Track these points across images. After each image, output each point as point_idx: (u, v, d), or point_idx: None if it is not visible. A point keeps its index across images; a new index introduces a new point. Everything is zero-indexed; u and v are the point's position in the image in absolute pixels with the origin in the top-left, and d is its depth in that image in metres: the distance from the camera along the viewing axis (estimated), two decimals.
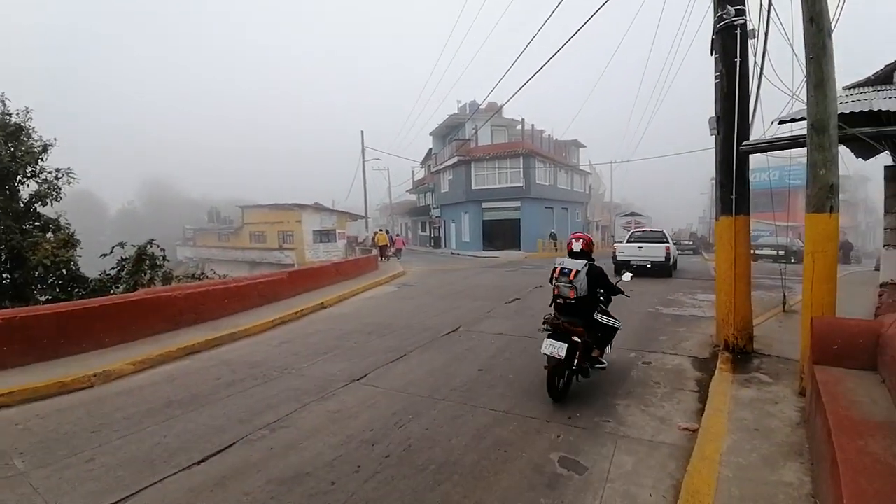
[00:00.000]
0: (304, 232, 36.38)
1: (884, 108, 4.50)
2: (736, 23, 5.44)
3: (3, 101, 11.48)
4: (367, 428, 4.00)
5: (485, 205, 32.06)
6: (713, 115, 5.85)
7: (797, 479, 2.84)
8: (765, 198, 10.24)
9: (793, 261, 17.16)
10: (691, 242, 33.10)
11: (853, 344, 3.35)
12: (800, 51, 4.38)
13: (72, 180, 12.14)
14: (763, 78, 5.63)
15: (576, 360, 4.45)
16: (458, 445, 3.64)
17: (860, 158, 7.43)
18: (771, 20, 5.35)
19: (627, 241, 15.81)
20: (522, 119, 32.82)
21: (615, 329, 4.94)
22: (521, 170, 30.46)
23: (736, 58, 5.49)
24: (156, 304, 7.45)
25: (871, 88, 6.05)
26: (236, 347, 7.00)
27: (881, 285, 6.30)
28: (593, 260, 4.81)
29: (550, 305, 4.89)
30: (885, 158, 6.34)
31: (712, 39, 5.80)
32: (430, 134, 41.21)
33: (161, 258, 11.71)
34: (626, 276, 5.41)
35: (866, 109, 4.61)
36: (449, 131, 37.63)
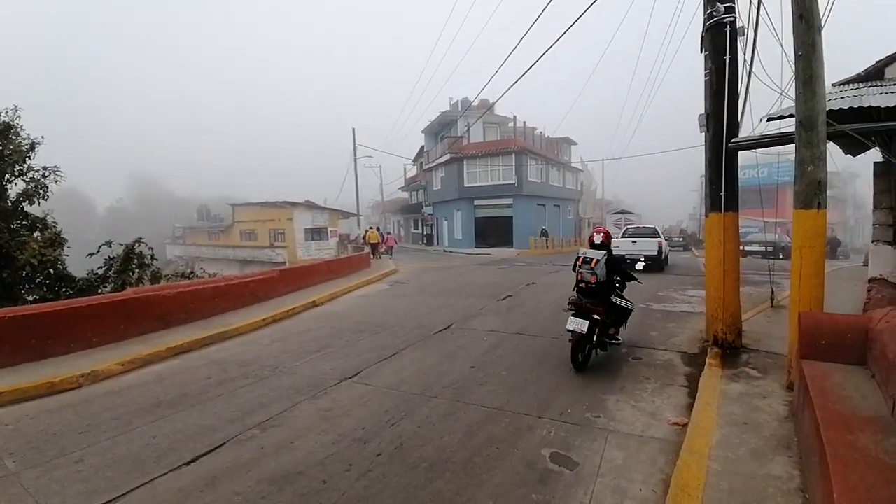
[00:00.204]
0: (295, 230, 36.16)
1: (874, 105, 4.54)
2: (725, 20, 5.47)
3: None
4: (358, 426, 3.99)
5: (477, 202, 32.06)
6: (703, 112, 5.88)
7: (786, 472, 2.87)
8: (753, 194, 10.33)
9: (781, 257, 17.42)
10: (681, 239, 33.33)
11: (841, 339, 3.39)
12: (789, 48, 4.41)
13: (59, 178, 11.98)
14: (752, 75, 5.67)
15: (595, 336, 5.19)
16: (450, 443, 3.64)
17: (849, 155, 7.52)
18: (760, 17, 5.39)
19: (622, 237, 16.39)
20: (514, 116, 32.86)
21: (629, 310, 5.78)
22: (514, 167, 30.49)
23: (725, 55, 5.52)
24: (144, 303, 7.36)
25: (861, 85, 6.12)
26: (227, 346, 6.95)
27: (870, 280, 6.38)
28: (611, 251, 5.54)
29: (573, 290, 5.58)
30: (874, 154, 6.41)
31: (702, 37, 5.82)
32: (423, 131, 41.12)
33: (149, 257, 11.58)
34: (639, 265, 6.16)
35: (856, 106, 4.65)
36: (441, 128, 37.56)
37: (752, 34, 5.44)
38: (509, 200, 31.17)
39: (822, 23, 4.32)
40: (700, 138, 6.04)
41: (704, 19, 5.70)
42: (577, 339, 5.13)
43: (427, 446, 3.59)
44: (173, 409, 4.53)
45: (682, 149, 33.81)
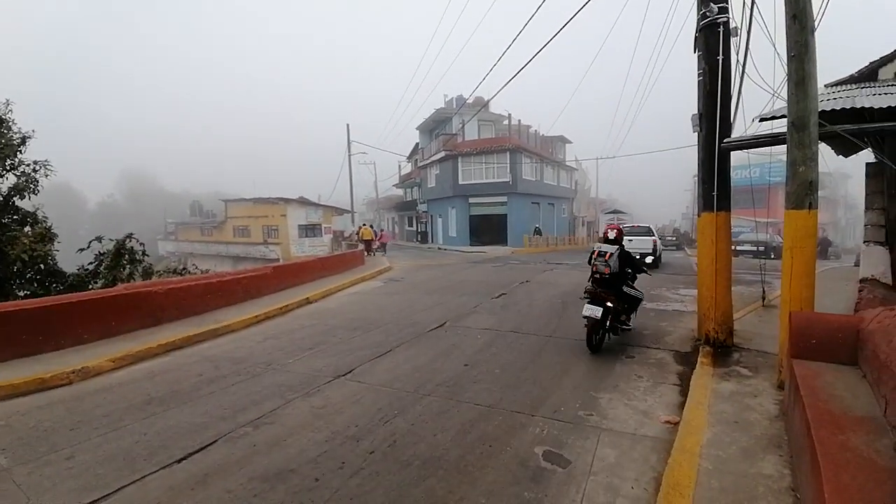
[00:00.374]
0: (289, 226, 36.01)
1: (867, 105, 4.55)
2: (719, 20, 5.49)
3: None
4: (351, 424, 3.98)
5: (471, 200, 32.07)
6: (696, 111, 5.91)
7: (776, 471, 2.90)
8: (745, 194, 10.39)
9: (772, 256, 17.60)
10: (674, 238, 33.57)
11: (832, 338, 3.42)
12: (782, 48, 4.43)
13: (49, 172, 11.84)
14: (745, 76, 5.70)
15: (608, 321, 5.76)
16: (443, 440, 3.64)
17: (840, 156, 7.58)
18: (754, 18, 5.41)
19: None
20: (509, 114, 32.89)
21: (639, 299, 6.38)
22: (508, 165, 30.52)
23: (718, 55, 5.54)
24: (135, 299, 7.30)
25: (854, 86, 6.16)
26: (219, 343, 6.91)
27: (861, 280, 6.43)
28: (623, 246, 6.08)
29: (589, 280, 6.11)
30: (866, 155, 6.46)
31: (695, 37, 5.84)
32: (417, 128, 41.04)
33: (141, 252, 11.49)
34: (648, 259, 6.34)
35: (849, 107, 4.67)
36: (436, 126, 37.52)
37: (745, 35, 5.46)
38: (504, 198, 31.21)
39: (816, 23, 4.34)
40: (694, 138, 6.06)
41: (698, 19, 5.72)
42: (592, 324, 5.66)
43: (420, 444, 3.59)
44: (164, 406, 4.50)
45: (675, 148, 34.05)
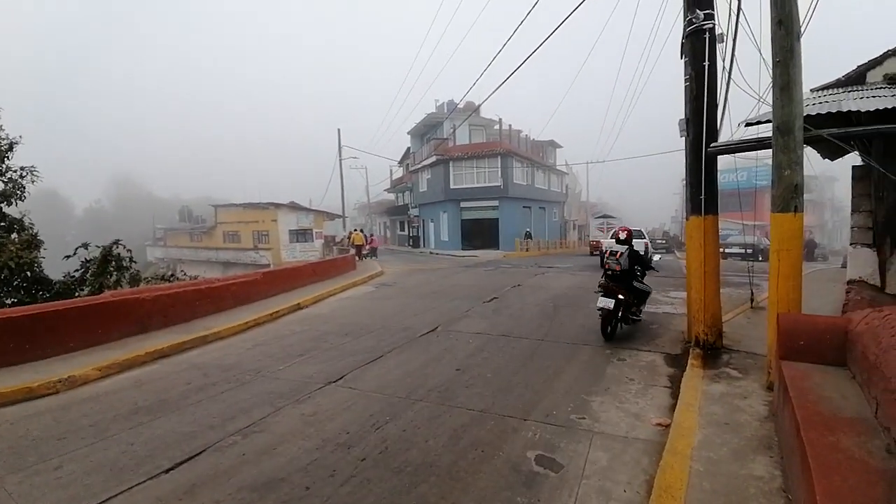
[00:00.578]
0: (279, 231, 35.78)
1: (853, 109, 4.61)
2: (705, 27, 5.56)
3: None
4: (342, 431, 3.94)
5: (463, 204, 32.13)
6: (683, 117, 5.97)
7: (767, 472, 2.91)
8: (733, 198, 10.53)
9: (760, 259, 17.81)
10: (664, 241, 33.83)
11: (820, 340, 3.44)
12: (767, 54, 4.49)
13: (35, 178, 11.69)
14: (731, 81, 5.78)
15: (620, 312, 6.47)
16: (434, 446, 3.62)
17: (826, 159, 7.68)
18: (739, 24, 5.49)
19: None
20: (500, 119, 33.02)
21: (648, 293, 7.15)
22: (500, 169, 30.64)
23: (705, 61, 5.61)
24: (122, 306, 7.20)
25: (840, 90, 6.24)
26: (208, 350, 6.83)
27: (849, 282, 6.50)
28: (632, 245, 6.86)
29: (602, 276, 6.77)
30: (852, 158, 6.55)
31: (682, 43, 5.91)
32: (409, 133, 41.05)
33: (128, 259, 11.33)
34: (656, 256, 7.13)
35: (834, 111, 4.73)
36: (427, 130, 37.55)
37: (731, 41, 5.54)
38: (495, 202, 31.30)
39: (802, 29, 4.41)
40: (682, 142, 6.13)
41: (684, 26, 5.79)
42: (606, 315, 6.36)
43: (412, 450, 3.56)
44: (152, 415, 4.43)
45: (664, 153, 34.32)
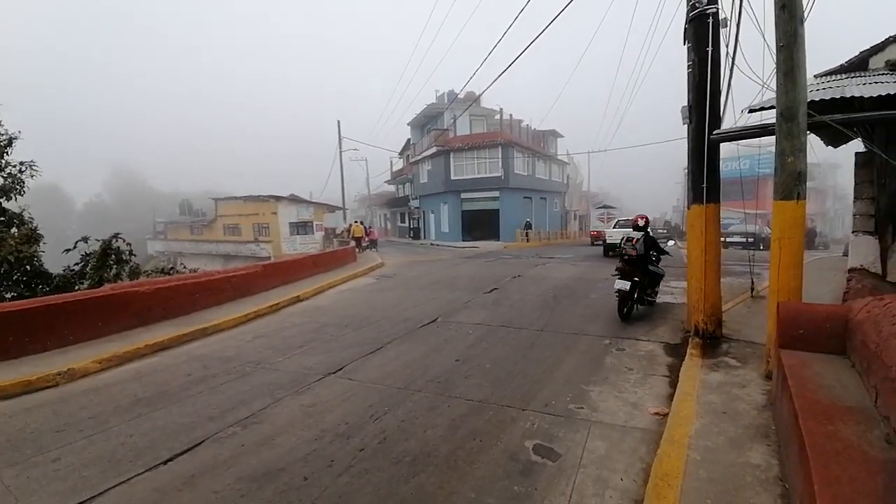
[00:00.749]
0: (279, 224, 35.73)
1: (856, 95, 4.54)
2: (708, 11, 5.47)
3: None
4: (342, 421, 3.95)
5: (464, 195, 32.03)
6: (686, 104, 5.90)
7: (764, 461, 2.90)
8: (735, 186, 10.45)
9: (761, 248, 17.77)
10: (665, 231, 33.74)
11: (820, 328, 3.42)
12: (771, 40, 4.42)
13: (35, 173, 11.67)
14: (735, 67, 5.69)
15: (635, 294, 6.93)
16: (433, 436, 3.62)
17: (830, 146, 7.60)
18: (743, 9, 5.40)
19: (614, 227, 18.99)
20: (501, 109, 32.79)
21: (661, 276, 7.65)
22: (500, 160, 30.49)
23: (708, 47, 5.53)
24: (122, 299, 7.21)
25: (843, 76, 6.15)
26: (208, 343, 6.84)
27: (849, 270, 6.45)
28: (648, 231, 7.46)
29: (619, 261, 7.25)
30: (855, 146, 6.47)
31: (685, 28, 5.83)
32: (409, 124, 40.85)
33: (127, 252, 11.32)
34: (671, 243, 7.51)
35: (838, 96, 4.66)
36: (427, 121, 37.36)
37: (735, 25, 5.44)
38: (496, 193, 31.19)
39: (805, 13, 4.33)
40: (684, 130, 6.06)
41: (687, 10, 5.71)
42: (622, 296, 6.85)
43: (410, 440, 3.57)
44: (152, 406, 4.44)
45: (666, 141, 34.14)
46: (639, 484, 2.88)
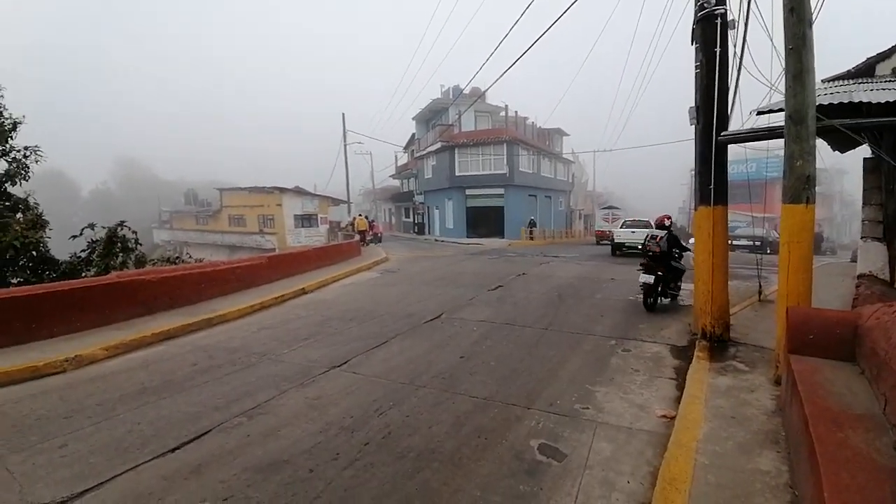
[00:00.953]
0: (284, 216, 35.84)
1: (864, 100, 4.53)
2: (716, 12, 5.42)
3: None
4: (346, 415, 3.96)
5: (468, 191, 31.97)
6: (693, 105, 5.86)
7: (774, 467, 2.88)
8: (742, 189, 10.41)
9: (769, 251, 17.72)
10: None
11: (830, 334, 3.39)
12: (779, 41, 4.38)
13: (40, 158, 11.68)
14: (743, 69, 5.64)
15: (659, 287, 7.58)
16: (438, 433, 3.62)
17: (837, 151, 7.56)
18: (751, 10, 5.35)
19: (621, 227, 19.77)
20: (506, 105, 32.69)
21: (683, 271, 8.18)
22: (505, 157, 30.40)
23: (716, 48, 5.48)
24: (129, 287, 7.24)
25: (850, 81, 6.11)
26: (214, 333, 6.87)
27: (859, 276, 6.43)
28: (671, 230, 7.99)
29: (643, 257, 7.98)
30: (862, 151, 6.44)
31: (693, 29, 5.78)
32: (414, 119, 40.74)
33: (133, 241, 11.36)
34: (692, 240, 7.31)
35: (846, 101, 4.64)
36: (432, 116, 37.23)
37: (743, 27, 5.40)
38: (501, 190, 31.13)
39: (814, 16, 4.29)
40: (691, 131, 6.02)
41: (695, 11, 5.66)
42: (647, 289, 7.49)
43: (415, 436, 3.57)
44: (158, 395, 4.46)
45: (673, 142, 33.99)
46: (646, 487, 2.88)
